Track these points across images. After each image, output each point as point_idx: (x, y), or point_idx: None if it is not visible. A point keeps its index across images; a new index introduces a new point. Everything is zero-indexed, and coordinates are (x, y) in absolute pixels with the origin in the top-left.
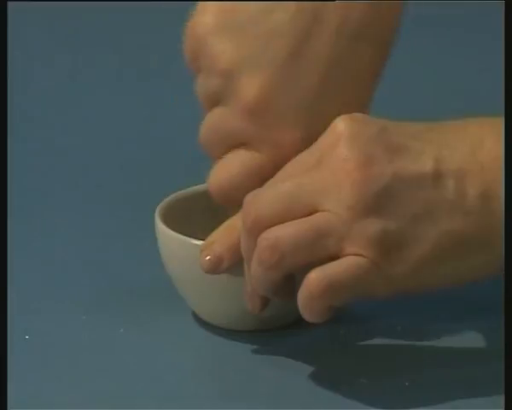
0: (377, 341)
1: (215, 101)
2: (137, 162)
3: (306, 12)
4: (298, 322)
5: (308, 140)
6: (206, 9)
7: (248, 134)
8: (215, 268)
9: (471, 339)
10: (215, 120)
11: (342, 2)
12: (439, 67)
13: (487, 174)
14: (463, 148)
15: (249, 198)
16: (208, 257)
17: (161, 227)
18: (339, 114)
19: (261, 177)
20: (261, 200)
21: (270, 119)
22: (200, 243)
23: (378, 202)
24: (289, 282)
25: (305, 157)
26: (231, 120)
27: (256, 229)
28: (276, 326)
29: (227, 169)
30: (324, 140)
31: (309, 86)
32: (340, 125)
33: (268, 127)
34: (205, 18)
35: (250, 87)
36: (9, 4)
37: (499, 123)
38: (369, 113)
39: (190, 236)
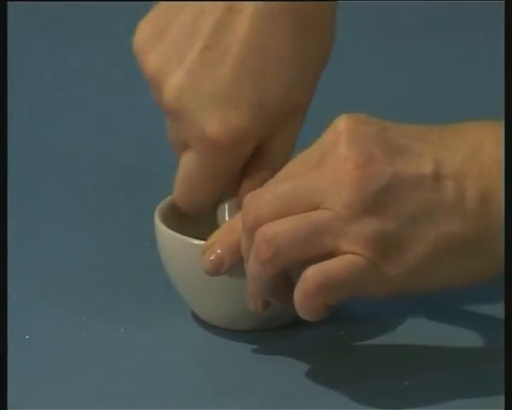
0: (377, 341)
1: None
2: (137, 162)
3: (219, 6)
4: (297, 322)
5: (229, 128)
6: (143, 21)
7: (180, 136)
8: (216, 269)
9: (471, 339)
10: (167, 130)
11: None
12: (439, 68)
13: (487, 177)
14: (463, 150)
15: (249, 198)
16: (211, 258)
17: (161, 227)
18: (260, 97)
19: (204, 174)
20: (261, 200)
21: (188, 115)
22: (199, 242)
23: (377, 201)
24: (287, 284)
25: (306, 157)
26: (168, 127)
27: (256, 229)
28: (275, 326)
29: (177, 180)
30: (325, 139)
31: (222, 75)
32: (341, 124)
33: (189, 124)
34: (142, 28)
35: (168, 90)
36: (9, 4)
37: (499, 127)
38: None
39: (190, 236)
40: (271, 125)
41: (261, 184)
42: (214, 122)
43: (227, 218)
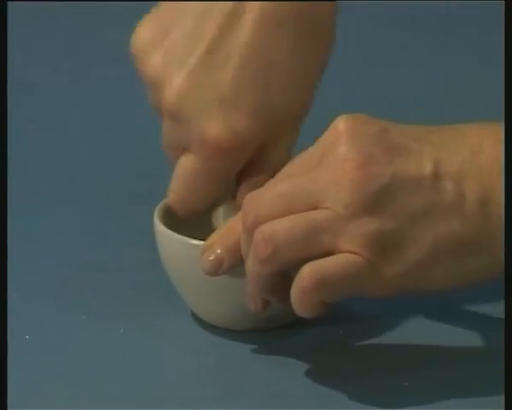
0: (377, 341)
1: (158, 111)
2: (137, 162)
3: (226, 8)
4: (297, 322)
5: (230, 131)
6: (144, 22)
7: (179, 138)
8: (216, 270)
9: (471, 339)
10: (163, 131)
11: None
12: (439, 68)
13: (486, 178)
14: (463, 151)
15: (249, 199)
16: (211, 258)
17: (160, 227)
18: (262, 102)
19: (202, 177)
20: (261, 200)
21: (189, 117)
22: (199, 243)
23: (376, 201)
24: (286, 283)
25: (306, 157)
26: (165, 128)
27: (255, 229)
28: (275, 326)
29: (173, 182)
30: (325, 139)
31: (224, 78)
32: (341, 124)
33: (189, 126)
34: (142, 30)
35: (169, 92)
36: (9, 4)
37: (499, 128)
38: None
39: (189, 236)
40: (273, 129)
41: (258, 187)
42: (215, 125)
43: (221, 222)
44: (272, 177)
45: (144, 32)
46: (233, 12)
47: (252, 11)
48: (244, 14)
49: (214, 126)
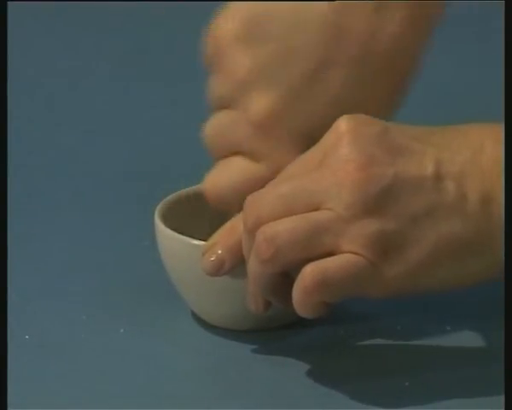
0: (377, 341)
1: (225, 105)
2: (137, 162)
3: (330, 35)
4: (297, 322)
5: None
6: (232, 15)
7: (253, 146)
8: (217, 270)
9: (471, 339)
10: (224, 123)
11: (369, 28)
12: (439, 68)
13: (487, 178)
14: (464, 151)
15: (250, 199)
16: (212, 258)
17: (161, 227)
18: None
19: (257, 188)
20: (262, 201)
21: (274, 138)
22: (200, 243)
23: (378, 202)
24: (288, 284)
25: (307, 158)
26: (240, 128)
27: (257, 230)
28: (275, 326)
29: (227, 174)
30: (326, 140)
31: (316, 112)
32: (342, 125)
33: (271, 145)
34: (229, 24)
35: (261, 102)
36: (9, 4)
37: (500, 128)
38: None
39: (190, 236)
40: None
41: None
42: (298, 154)
43: None
44: None
45: (230, 24)
46: (338, 43)
47: (351, 50)
48: (344, 51)
49: (293, 154)
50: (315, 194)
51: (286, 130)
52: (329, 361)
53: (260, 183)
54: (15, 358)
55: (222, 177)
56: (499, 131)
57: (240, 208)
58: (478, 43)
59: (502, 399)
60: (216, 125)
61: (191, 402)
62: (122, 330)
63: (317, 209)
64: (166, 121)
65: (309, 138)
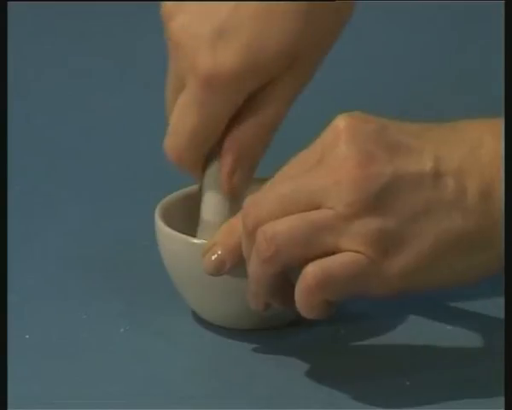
0: (378, 341)
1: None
2: (138, 162)
3: None
4: (298, 321)
5: (221, 64)
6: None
7: (178, 72)
8: (218, 270)
9: (471, 339)
10: (168, 73)
11: None
12: (439, 67)
13: (487, 174)
14: (463, 147)
15: (249, 200)
16: (213, 257)
17: (161, 227)
18: (257, 41)
19: (194, 109)
20: (261, 202)
21: (187, 49)
22: (200, 242)
23: (377, 200)
24: (288, 285)
25: (305, 156)
26: (170, 65)
27: (256, 230)
28: (276, 325)
29: (170, 127)
30: (324, 138)
31: (225, 10)
32: (341, 123)
33: (186, 58)
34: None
35: (174, 24)
36: (9, 4)
37: (498, 123)
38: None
39: (190, 235)
40: (265, 72)
41: (249, 136)
42: (206, 56)
43: (213, 185)
44: (264, 131)
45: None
46: None
47: None
48: None
49: (205, 57)
50: (314, 193)
51: (199, 36)
52: (330, 361)
53: (192, 105)
54: (15, 358)
55: (171, 128)
56: (498, 125)
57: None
58: (478, 42)
59: (502, 399)
60: (167, 78)
61: (191, 402)
62: (122, 330)
63: (316, 208)
64: (167, 121)
65: (220, 35)
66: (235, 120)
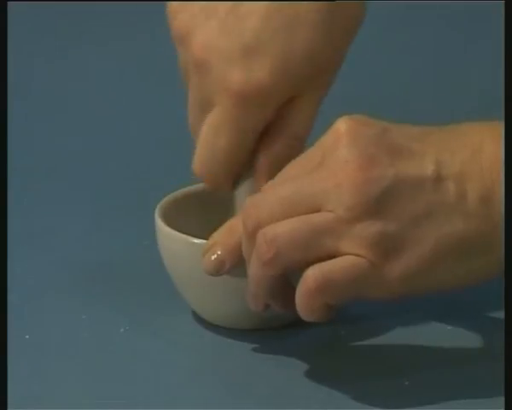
0: (378, 341)
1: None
2: (138, 162)
3: None
4: (298, 322)
5: (253, 79)
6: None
7: (204, 93)
8: (217, 270)
9: (471, 339)
10: (189, 95)
11: None
12: (440, 68)
13: (487, 177)
14: (464, 151)
15: (250, 202)
16: (213, 257)
17: (161, 226)
18: (285, 52)
19: (226, 128)
20: (262, 204)
21: (214, 67)
22: (200, 241)
23: (378, 203)
24: (287, 288)
25: (306, 159)
26: (193, 82)
27: (257, 232)
28: (276, 326)
29: (199, 146)
30: (325, 141)
31: (249, 27)
32: (342, 126)
33: (213, 76)
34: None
35: (195, 44)
36: (9, 4)
37: (499, 127)
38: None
39: (190, 234)
40: (294, 83)
41: (278, 154)
42: (238, 73)
43: (244, 198)
44: (296, 143)
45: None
46: None
47: None
48: None
49: (237, 74)
50: (315, 196)
51: (220, 56)
52: (330, 361)
53: (226, 122)
54: (15, 358)
55: (199, 148)
56: (498, 129)
57: (229, 181)
58: (478, 43)
59: (502, 399)
60: (189, 99)
61: (191, 402)
62: (122, 330)
63: (317, 211)
64: (167, 121)
65: (248, 52)
66: (265, 134)
